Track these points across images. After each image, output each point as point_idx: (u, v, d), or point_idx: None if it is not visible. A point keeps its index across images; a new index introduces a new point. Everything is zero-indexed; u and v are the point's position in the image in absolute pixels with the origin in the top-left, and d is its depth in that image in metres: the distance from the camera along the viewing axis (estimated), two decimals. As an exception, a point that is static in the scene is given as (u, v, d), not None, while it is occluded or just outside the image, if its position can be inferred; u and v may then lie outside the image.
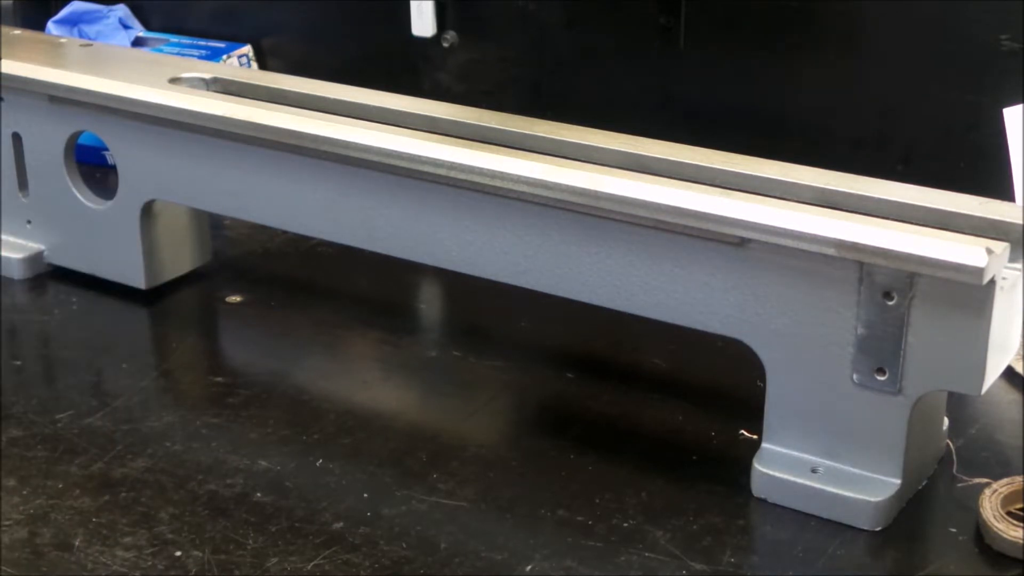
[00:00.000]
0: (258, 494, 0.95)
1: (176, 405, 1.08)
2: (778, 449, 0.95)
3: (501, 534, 0.91)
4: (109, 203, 1.24)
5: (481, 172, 0.99)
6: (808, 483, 0.92)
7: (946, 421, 0.99)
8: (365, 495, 0.95)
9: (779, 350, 0.93)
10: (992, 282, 0.84)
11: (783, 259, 0.90)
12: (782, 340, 0.92)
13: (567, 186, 0.96)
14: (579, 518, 0.92)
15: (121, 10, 1.75)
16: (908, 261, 0.85)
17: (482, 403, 1.09)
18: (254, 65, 1.69)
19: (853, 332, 0.89)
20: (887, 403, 0.90)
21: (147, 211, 1.22)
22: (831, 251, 0.87)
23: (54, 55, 1.29)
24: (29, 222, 1.29)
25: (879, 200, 0.92)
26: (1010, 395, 1.08)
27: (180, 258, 1.27)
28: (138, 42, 1.73)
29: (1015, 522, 0.88)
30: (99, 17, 1.73)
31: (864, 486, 0.91)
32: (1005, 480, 0.93)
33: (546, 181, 0.97)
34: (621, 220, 0.96)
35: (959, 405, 1.03)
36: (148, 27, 1.77)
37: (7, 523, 0.91)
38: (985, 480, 0.94)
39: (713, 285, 0.94)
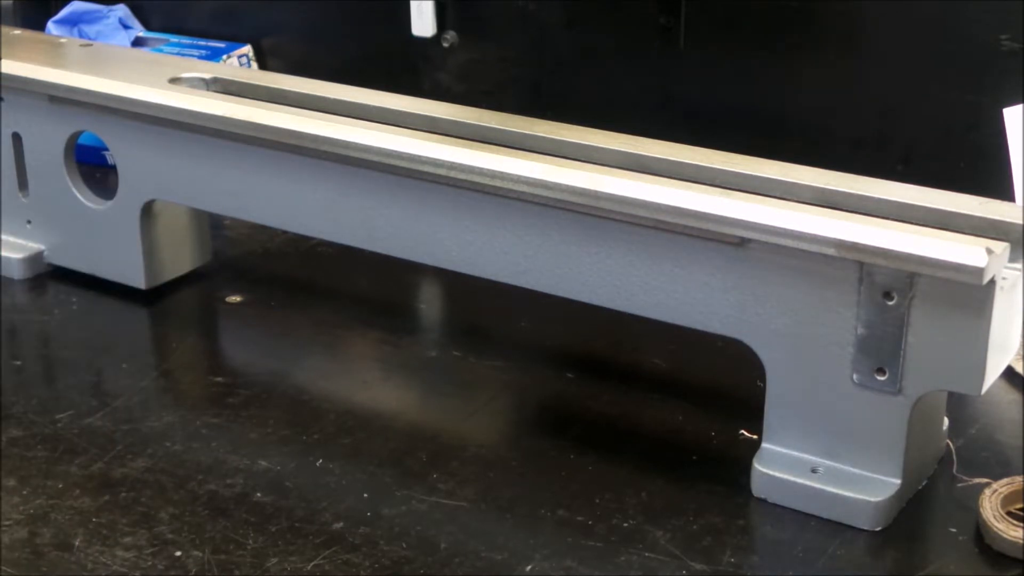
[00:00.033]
0: (258, 494, 0.95)
1: (176, 405, 1.08)
2: (778, 449, 0.95)
3: (501, 534, 0.91)
4: (109, 203, 1.24)
5: (481, 172, 0.99)
6: (808, 483, 0.92)
7: (946, 421, 0.99)
8: (365, 495, 0.95)
9: (779, 350, 0.93)
10: (992, 282, 0.84)
11: (783, 259, 0.90)
12: (782, 340, 0.92)
13: (567, 186, 0.96)
14: (579, 518, 0.92)
15: (121, 10, 1.75)
16: (908, 261, 0.85)
17: (482, 403, 1.09)
18: (254, 65, 1.69)
19: (853, 332, 0.89)
20: (887, 403, 0.90)
21: (147, 211, 1.22)
22: (831, 251, 0.87)
23: (54, 55, 1.29)
24: (29, 222, 1.29)
25: (879, 200, 0.92)
26: (1010, 395, 1.08)
27: (180, 258, 1.27)
28: (138, 42, 1.73)
29: (1015, 522, 0.88)
30: (99, 17, 1.73)
31: (864, 486, 0.91)
32: (1005, 480, 0.93)
33: (546, 181, 0.97)
34: (621, 220, 0.96)
35: (959, 405, 1.03)
36: (148, 27, 1.77)
37: (7, 523, 0.91)
38: (985, 480, 0.94)
39: (713, 285, 0.94)
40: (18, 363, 1.14)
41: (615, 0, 1.44)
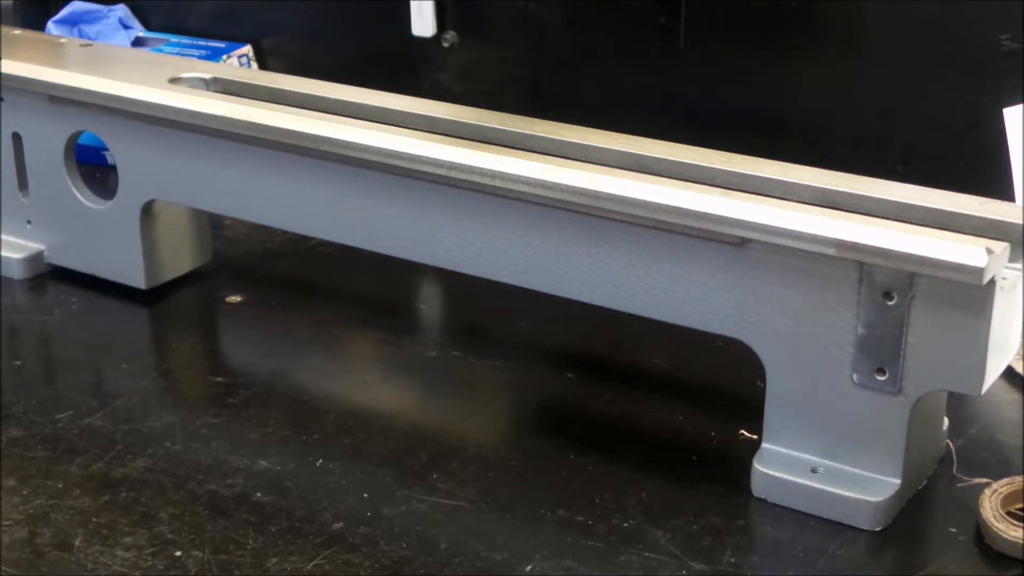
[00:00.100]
0: (258, 494, 0.95)
1: (176, 405, 1.08)
2: (778, 449, 0.95)
3: (501, 534, 0.91)
4: (109, 203, 1.24)
5: (481, 172, 0.99)
6: (808, 483, 0.92)
7: (946, 421, 0.99)
8: (365, 495, 0.95)
9: (779, 350, 0.93)
10: (992, 282, 0.84)
11: (783, 259, 0.90)
12: (782, 340, 0.92)
13: (567, 186, 0.96)
14: (579, 518, 0.92)
15: (121, 10, 1.75)
16: (908, 261, 0.85)
17: (482, 403, 1.09)
18: (254, 65, 1.69)
19: (853, 332, 0.89)
20: (887, 403, 0.90)
21: (147, 211, 1.22)
22: (831, 251, 0.87)
23: (54, 55, 1.29)
24: (29, 222, 1.29)
25: (879, 200, 0.92)
26: (1010, 395, 1.08)
27: (180, 258, 1.27)
28: (138, 42, 1.73)
29: (1015, 522, 0.88)
30: (99, 17, 1.73)
31: (864, 486, 0.91)
32: (1005, 480, 0.93)
33: (546, 181, 0.97)
34: (621, 220, 0.96)
35: (959, 405, 1.03)
36: (148, 27, 1.77)
37: (7, 523, 0.91)
38: (985, 480, 0.94)
39: (713, 285, 0.94)
40: (18, 363, 1.14)
41: (615, 0, 1.44)
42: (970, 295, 0.85)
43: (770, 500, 0.94)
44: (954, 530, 0.91)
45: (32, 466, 0.98)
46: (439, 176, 1.02)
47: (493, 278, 1.04)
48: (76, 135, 1.24)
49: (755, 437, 0.98)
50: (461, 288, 1.23)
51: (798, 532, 0.91)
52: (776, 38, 1.37)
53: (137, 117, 1.17)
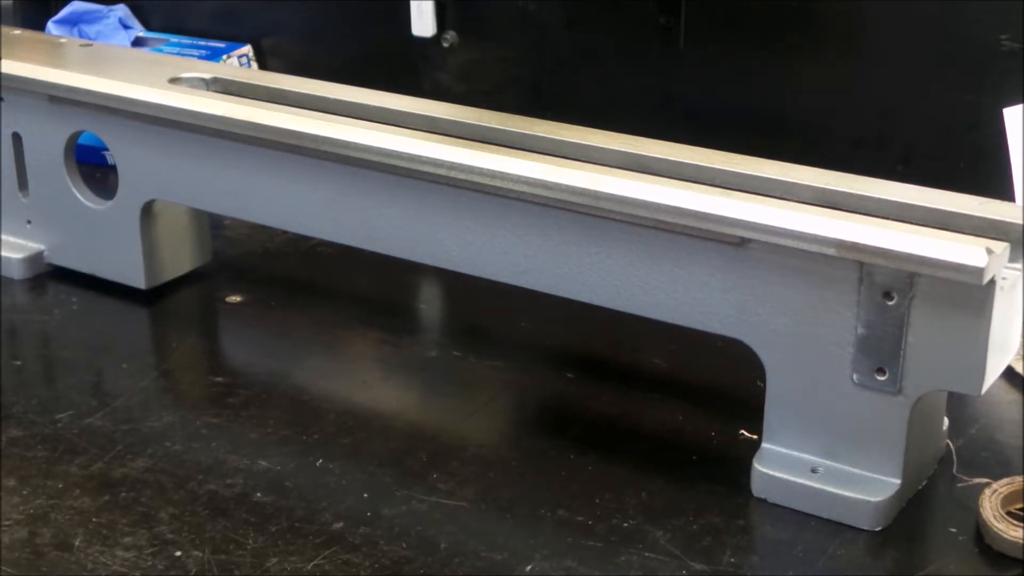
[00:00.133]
0: (258, 494, 0.95)
1: (176, 405, 1.08)
2: (778, 449, 0.95)
3: (501, 534, 0.91)
4: (109, 203, 1.24)
5: (481, 172, 0.99)
6: (808, 483, 0.92)
7: (946, 421, 0.99)
8: (365, 495, 0.95)
9: (779, 350, 0.93)
10: (992, 282, 0.84)
11: (783, 259, 0.90)
12: (782, 340, 0.92)
13: (567, 186, 0.96)
14: (579, 518, 0.92)
15: (121, 10, 1.75)
16: (908, 261, 0.85)
17: (482, 403, 1.09)
18: (254, 65, 1.69)
19: (853, 332, 0.89)
20: (887, 403, 0.90)
21: (147, 211, 1.22)
22: (831, 251, 0.87)
23: (54, 55, 1.29)
24: (29, 222, 1.29)
25: (879, 200, 0.92)
26: (1010, 395, 1.08)
27: (180, 258, 1.27)
28: (138, 42, 1.73)
29: (1015, 522, 0.88)
30: (99, 17, 1.73)
31: (864, 486, 0.91)
32: (1005, 480, 0.93)
33: (546, 181, 0.97)
34: (621, 220, 0.96)
35: (959, 405, 1.03)
36: (148, 27, 1.77)
37: (7, 523, 0.91)
38: (985, 480, 0.94)
39: (713, 285, 0.94)
40: (18, 363, 1.14)
41: (615, 0, 1.44)
42: (970, 295, 0.85)
43: (770, 500, 0.94)
44: (954, 530, 0.91)
45: (32, 466, 0.98)
46: (439, 176, 1.02)
47: (493, 278, 1.04)
48: (76, 135, 1.24)
49: (755, 437, 0.98)
50: (461, 288, 1.23)
51: (798, 532, 0.91)
52: (776, 38, 1.37)
53: (137, 117, 1.17)
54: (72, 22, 1.73)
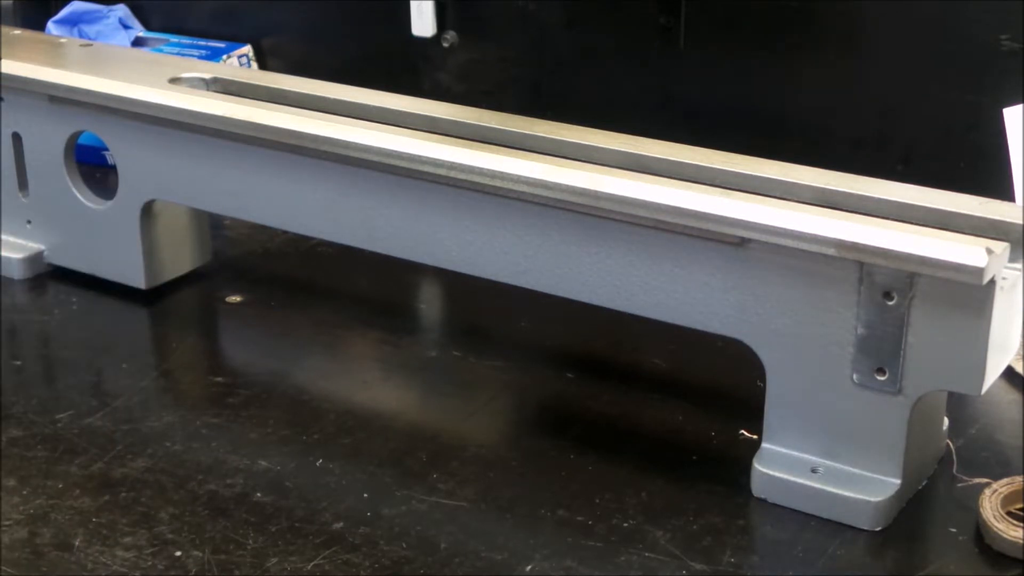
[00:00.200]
0: (258, 494, 0.95)
1: (176, 405, 1.08)
2: (778, 449, 0.95)
3: (501, 534, 0.91)
4: (109, 203, 1.24)
5: (481, 172, 0.99)
6: (808, 483, 0.92)
7: (946, 421, 0.99)
8: (365, 495, 0.95)
9: (779, 350, 0.93)
10: (992, 282, 0.84)
11: (783, 259, 0.90)
12: (782, 340, 0.92)
13: (567, 186, 0.96)
14: (579, 518, 0.92)
15: (121, 10, 1.75)
16: (908, 261, 0.85)
17: (482, 403, 1.09)
18: (254, 65, 1.69)
19: (853, 332, 0.89)
20: (887, 403, 0.90)
21: (147, 211, 1.22)
22: (831, 251, 0.87)
23: (54, 55, 1.29)
24: (29, 222, 1.29)
25: (879, 200, 0.92)
26: (1010, 395, 1.08)
27: (180, 258, 1.27)
28: (138, 42, 1.73)
29: (1015, 522, 0.88)
30: (99, 17, 1.73)
31: (864, 486, 0.91)
32: (1005, 480, 0.93)
33: (546, 181, 0.97)
34: (621, 220, 0.96)
35: (959, 405, 1.03)
36: (148, 27, 1.77)
37: (7, 523, 0.91)
38: (985, 480, 0.94)
39: (713, 285, 0.94)
40: (18, 363, 1.14)
41: (615, 0, 1.44)
42: (970, 295, 0.85)
43: (770, 500, 0.94)
44: (954, 530, 0.91)
45: (32, 466, 0.98)
46: (439, 176, 1.02)
47: (493, 278, 1.04)
48: (76, 135, 1.24)
49: (755, 437, 0.98)
50: (461, 288, 1.23)
51: (798, 532, 0.91)
52: (776, 38, 1.37)
53: (137, 117, 1.17)
54: (72, 22, 1.73)
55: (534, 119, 1.07)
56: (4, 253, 1.29)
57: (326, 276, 1.32)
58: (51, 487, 0.95)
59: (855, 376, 0.90)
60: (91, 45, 1.38)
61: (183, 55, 1.62)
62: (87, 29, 1.72)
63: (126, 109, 1.17)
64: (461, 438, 1.02)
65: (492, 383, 1.11)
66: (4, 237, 1.30)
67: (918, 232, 0.86)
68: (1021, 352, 1.04)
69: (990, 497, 0.91)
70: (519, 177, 0.98)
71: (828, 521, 0.91)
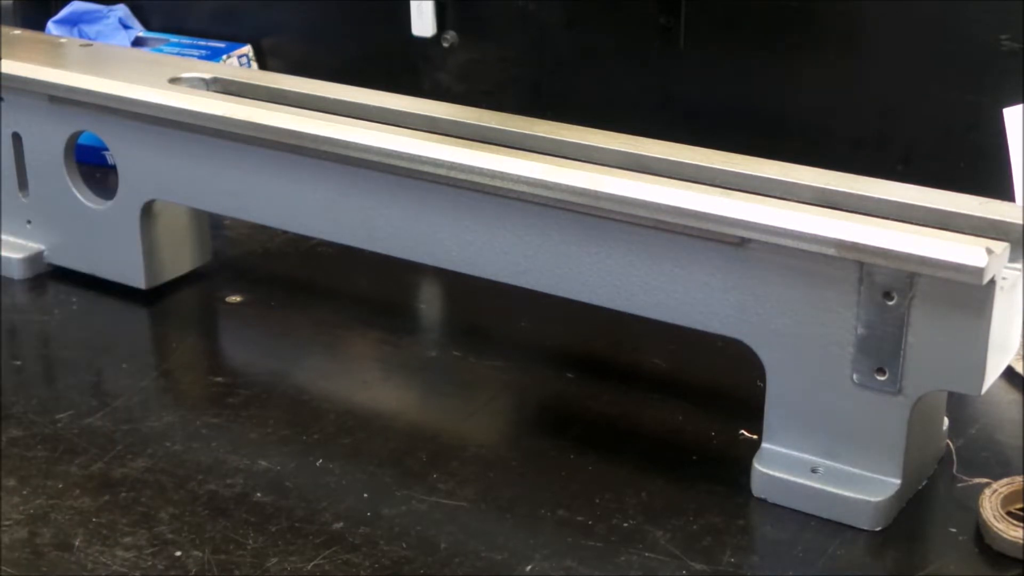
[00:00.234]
0: (258, 494, 0.95)
1: (176, 405, 1.08)
2: (778, 449, 0.95)
3: (501, 534, 0.91)
4: (109, 203, 1.24)
5: (481, 172, 0.99)
6: (808, 483, 0.92)
7: (946, 421, 0.99)
8: (365, 495, 0.95)
9: (779, 350, 0.93)
10: (992, 282, 0.84)
11: (783, 259, 0.90)
12: (782, 340, 0.92)
13: (567, 186, 0.96)
14: (579, 518, 0.92)
15: (121, 10, 1.75)
16: (908, 261, 0.85)
17: (482, 403, 1.09)
18: (254, 65, 1.69)
19: (853, 332, 0.89)
20: (887, 403, 0.90)
21: (147, 211, 1.22)
22: (831, 251, 0.87)
23: (54, 55, 1.29)
24: (29, 222, 1.29)
25: (879, 200, 0.92)
26: (1010, 395, 1.08)
27: (180, 258, 1.27)
28: (138, 42, 1.73)
29: (1015, 522, 0.88)
30: (99, 17, 1.73)
31: (864, 486, 0.91)
32: (1005, 480, 0.93)
33: (546, 181, 0.97)
34: (621, 220, 0.96)
35: (959, 405, 1.03)
36: (148, 27, 1.77)
37: (7, 523, 0.91)
38: (985, 480, 0.94)
39: (713, 285, 0.94)
40: (18, 363, 1.14)
41: (615, 0, 1.44)
42: (970, 295, 0.84)
43: (770, 500, 0.94)
44: (954, 530, 0.91)
45: (32, 466, 0.98)
46: (439, 176, 1.02)
47: (493, 278, 1.04)
48: (76, 135, 1.24)
49: (755, 437, 0.98)
50: (461, 288, 1.23)
51: (798, 532, 0.91)
52: (776, 38, 1.37)
53: (137, 117, 1.17)
54: (72, 22, 1.73)
55: (534, 119, 1.07)
56: (4, 253, 1.29)
57: (326, 276, 1.32)
58: (51, 487, 0.95)
59: (855, 376, 0.90)
60: (91, 45, 1.38)
61: (183, 55, 1.62)
62: (87, 29, 1.72)
63: (126, 109, 1.17)
64: (461, 438, 1.02)
65: (492, 383, 1.11)
66: (4, 237, 1.30)
67: (918, 232, 0.86)
68: (1021, 352, 1.04)
69: (990, 497, 0.91)
70: (519, 177, 0.98)
71: (828, 521, 0.91)
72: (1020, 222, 0.88)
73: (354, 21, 1.63)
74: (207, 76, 1.22)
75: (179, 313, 1.24)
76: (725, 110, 1.41)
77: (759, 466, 0.94)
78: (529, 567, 0.87)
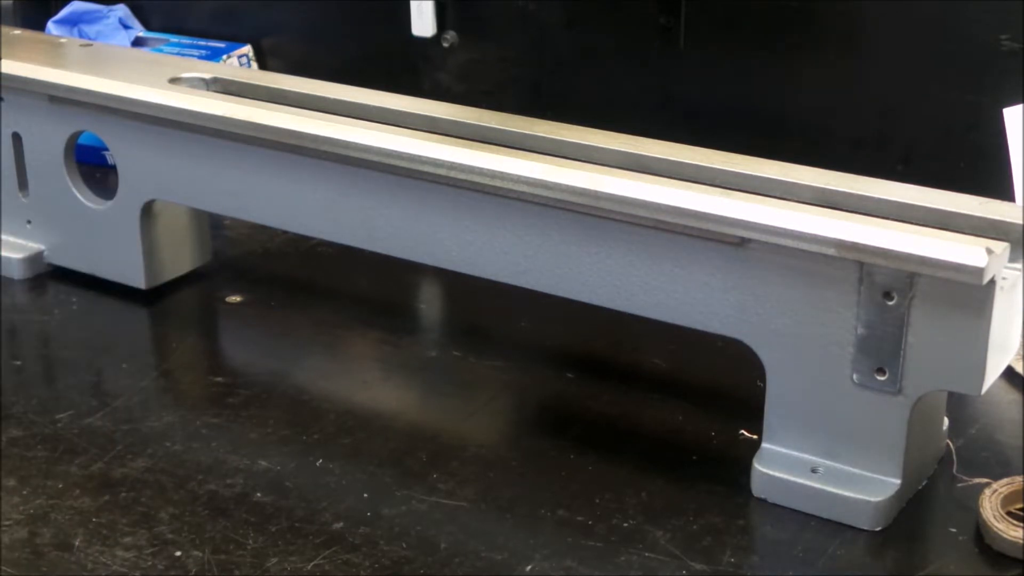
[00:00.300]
0: (258, 494, 0.95)
1: (176, 405, 1.08)
2: (778, 449, 0.95)
3: (501, 534, 0.91)
4: (109, 203, 1.24)
5: (481, 172, 0.99)
6: (808, 483, 0.92)
7: (946, 421, 0.99)
8: (365, 495, 0.95)
9: (779, 350, 0.93)
10: (992, 282, 0.84)
11: (783, 259, 0.90)
12: (782, 340, 0.92)
13: (567, 186, 0.96)
14: (579, 518, 0.92)
15: (121, 10, 1.75)
16: (908, 261, 0.85)
17: (482, 403, 1.09)
18: (254, 65, 1.69)
19: (853, 332, 0.89)
20: (887, 403, 0.90)
21: (147, 211, 1.22)
22: (831, 251, 0.87)
23: (54, 55, 1.29)
24: (29, 222, 1.29)
25: (879, 200, 0.92)
26: (1010, 395, 1.08)
27: (180, 258, 1.27)
28: (138, 42, 1.73)
29: (1015, 522, 0.88)
30: (99, 17, 1.73)
31: (864, 486, 0.91)
32: (1005, 480, 0.93)
33: (546, 181, 0.97)
34: (621, 220, 0.96)
35: (959, 405, 1.03)
36: (148, 27, 1.77)
37: (7, 523, 0.91)
38: (985, 480, 0.94)
39: (713, 285, 0.94)
40: (18, 363, 1.14)
41: (615, 0, 1.44)
42: (970, 295, 0.84)
43: (770, 500, 0.94)
44: (954, 530, 0.91)
45: (32, 466, 0.98)
46: (439, 176, 1.02)
47: (493, 278, 1.04)
48: (76, 135, 1.24)
49: (755, 437, 0.98)
50: (461, 288, 1.23)
51: (798, 532, 0.91)
52: (776, 38, 1.37)
53: (137, 117, 1.17)
54: (72, 22, 1.73)
55: (534, 119, 1.07)
56: (4, 253, 1.29)
57: (326, 276, 1.32)
58: (51, 487, 0.95)
59: (855, 376, 0.90)
60: (91, 45, 1.38)
61: (183, 55, 1.62)
62: (87, 29, 1.72)
63: (126, 109, 1.17)
64: (461, 438, 1.02)
65: (492, 383, 1.11)
66: (4, 237, 1.30)
67: (918, 232, 0.86)
68: (1021, 352, 1.04)
69: (990, 497, 0.91)
70: (519, 177, 0.98)
71: (828, 521, 0.91)
72: (1020, 222, 0.88)
73: (354, 21, 1.63)
74: (207, 76, 1.22)
75: (179, 313, 1.24)
76: (725, 110, 1.41)
77: (759, 466, 0.94)
78: (529, 567, 0.87)
